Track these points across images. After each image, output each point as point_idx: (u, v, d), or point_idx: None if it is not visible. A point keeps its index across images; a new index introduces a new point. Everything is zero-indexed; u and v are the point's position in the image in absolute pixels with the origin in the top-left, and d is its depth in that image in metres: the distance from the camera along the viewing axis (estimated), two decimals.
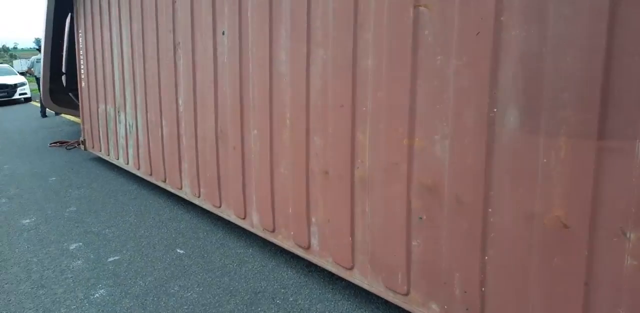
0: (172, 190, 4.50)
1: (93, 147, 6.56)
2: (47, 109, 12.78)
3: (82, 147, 6.91)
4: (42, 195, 5.25)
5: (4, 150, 8.19)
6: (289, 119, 2.88)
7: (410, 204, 2.20)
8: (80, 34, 6.48)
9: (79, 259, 3.48)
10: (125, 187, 5.40)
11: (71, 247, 3.72)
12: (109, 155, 6.01)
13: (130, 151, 5.32)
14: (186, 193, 4.25)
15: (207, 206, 3.93)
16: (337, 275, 2.77)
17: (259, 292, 2.82)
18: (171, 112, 4.27)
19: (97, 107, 6.16)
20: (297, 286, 2.87)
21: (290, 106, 2.86)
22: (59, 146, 8.18)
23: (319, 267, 2.89)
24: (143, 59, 4.69)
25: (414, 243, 2.21)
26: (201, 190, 3.99)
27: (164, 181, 4.61)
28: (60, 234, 4.03)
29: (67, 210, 4.70)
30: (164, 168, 4.56)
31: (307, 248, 2.85)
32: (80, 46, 6.53)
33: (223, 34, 3.43)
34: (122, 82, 5.29)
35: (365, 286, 2.50)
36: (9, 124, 11.77)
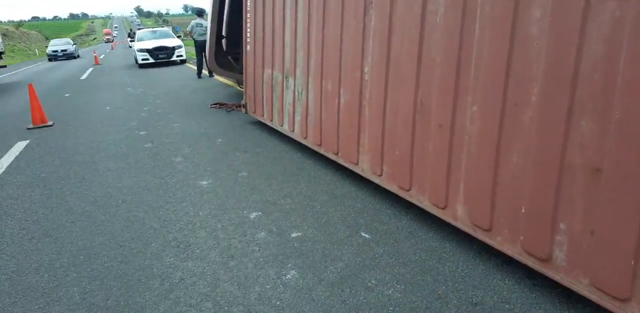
0: (345, 164, 4.21)
1: (255, 112, 6.60)
2: (202, 70, 13.59)
3: (243, 110, 7.02)
4: (213, 157, 5.38)
5: (172, 108, 8.79)
6: (537, 94, 2.28)
7: None
8: None
9: (262, 230, 3.37)
10: (289, 154, 5.29)
11: (251, 216, 3.64)
12: (272, 120, 5.96)
13: (298, 118, 5.15)
14: (363, 170, 3.92)
15: (392, 187, 3.54)
16: (583, 301, 2.19)
17: (476, 304, 2.36)
18: (353, 80, 3.89)
19: (263, 72, 6.09)
20: (525, 303, 2.35)
21: (541, 79, 2.24)
22: (219, 108, 8.51)
23: (553, 282, 2.33)
24: (322, 22, 4.34)
25: None
26: (384, 168, 3.61)
27: (336, 153, 4.34)
28: (238, 200, 4.00)
29: (240, 174, 4.71)
30: (337, 140, 4.27)
31: (546, 260, 2.29)
32: (248, 9, 6.46)
33: None
34: (294, 47, 5.05)
35: None
36: (172, 82, 12.76)
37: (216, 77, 13.27)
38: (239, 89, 10.07)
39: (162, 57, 18.85)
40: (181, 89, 11.52)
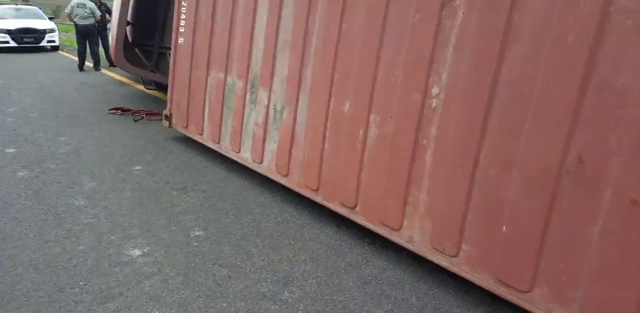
0: (373, 227, 2.83)
1: (187, 127, 4.84)
2: (85, 61, 11.01)
3: (165, 123, 5.19)
4: (136, 200, 3.57)
5: (52, 112, 6.46)
6: None
7: None
8: None
9: None
10: (254, 196, 3.72)
11: None
12: (218, 143, 4.31)
13: (271, 147, 3.62)
14: (414, 242, 2.59)
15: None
16: None
17: None
18: (406, 106, 2.55)
19: (207, 75, 4.42)
20: None
21: None
22: (121, 114, 6.46)
23: None
24: (341, 11, 2.93)
25: None
26: (463, 247, 2.33)
27: (352, 208, 2.93)
28: (209, 297, 2.38)
29: (192, 235, 3.04)
30: (357, 190, 2.87)
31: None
32: None
33: None
34: (273, 43, 3.54)
35: None
36: (46, 74, 9.98)
37: (105, 71, 10.82)
38: (145, 89, 8.01)
39: (28, 41, 15.28)
40: (60, 84, 8.95)
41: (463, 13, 2.26)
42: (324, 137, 3.10)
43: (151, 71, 6.94)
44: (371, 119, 2.75)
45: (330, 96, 3.04)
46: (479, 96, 2.18)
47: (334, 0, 2.96)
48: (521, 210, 2.05)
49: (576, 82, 1.83)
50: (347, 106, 2.92)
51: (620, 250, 1.76)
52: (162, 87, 7.87)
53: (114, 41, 6.11)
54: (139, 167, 4.32)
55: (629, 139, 1.72)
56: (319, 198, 3.20)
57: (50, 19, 17.70)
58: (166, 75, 7.07)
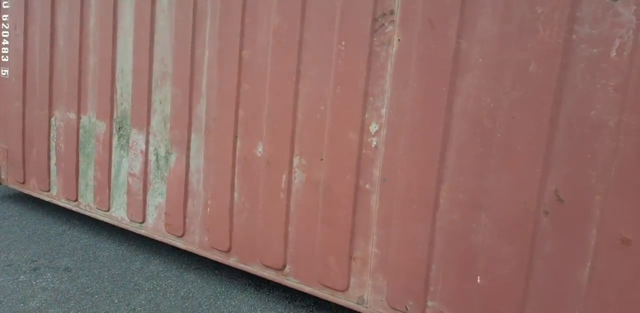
0: (307, 289, 2.36)
1: (24, 183, 3.74)
2: None
3: None
4: None
5: None
6: None
7: None
8: None
9: None
10: (142, 267, 2.92)
11: None
12: (75, 200, 3.37)
13: (156, 201, 2.91)
14: (366, 301, 2.19)
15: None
16: None
17: None
18: (340, 147, 2.19)
19: (51, 116, 3.47)
20: None
21: None
22: None
23: None
24: (240, 35, 2.46)
25: None
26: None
27: (281, 269, 2.42)
28: None
29: None
30: (286, 248, 2.39)
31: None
32: (4, 4, 3.73)
33: None
34: (146, 77, 2.89)
35: None
36: None
37: None
38: None
39: None
40: None
41: (399, 40, 2.01)
42: (232, 186, 2.56)
43: None
44: (295, 162, 2.32)
45: (235, 137, 2.53)
46: (431, 131, 1.93)
47: (230, 19, 2.50)
48: (497, 258, 1.83)
49: (546, 115, 1.70)
50: (259, 148, 2.44)
51: (615, 293, 1.64)
52: None
53: None
54: None
55: (611, 173, 1.62)
56: (231, 261, 2.61)
57: None
58: None
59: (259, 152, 2.45)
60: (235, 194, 2.55)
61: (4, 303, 2.48)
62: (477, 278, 1.87)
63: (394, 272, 2.04)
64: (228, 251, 2.61)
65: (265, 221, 2.44)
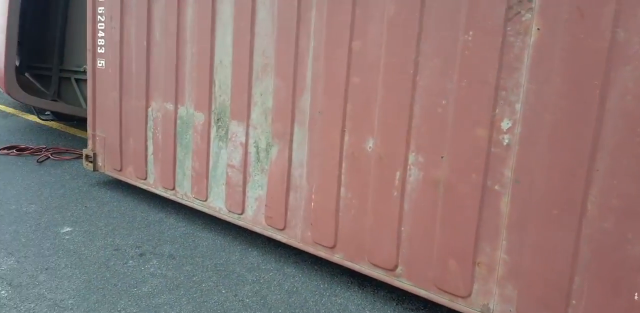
0: (422, 292, 2.28)
1: (121, 170, 3.89)
2: None
3: (88, 165, 4.16)
4: (84, 281, 2.63)
5: None
6: None
7: None
8: None
9: None
10: (242, 258, 2.96)
11: None
12: (173, 189, 3.46)
13: (255, 194, 2.91)
14: (492, 310, 2.09)
15: None
16: None
17: None
18: (464, 145, 2.06)
19: (147, 106, 3.56)
20: None
21: None
22: (16, 155, 5.17)
23: None
24: (350, 25, 2.36)
25: None
26: None
27: (392, 269, 2.35)
28: None
29: None
30: (398, 248, 2.31)
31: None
32: None
33: None
34: (246, 69, 2.86)
35: None
36: None
37: None
38: (39, 120, 6.65)
39: None
40: None
41: (538, 29, 1.84)
42: (338, 182, 2.50)
43: (52, 100, 5.70)
44: (410, 159, 2.22)
45: (343, 131, 2.45)
46: (578, 130, 1.76)
47: (339, 9, 2.39)
48: None
49: None
50: (370, 143, 2.36)
51: None
52: (61, 117, 6.60)
53: (1, 65, 4.85)
54: (68, 229, 3.30)
55: None
56: (336, 258, 2.58)
57: None
58: (70, 103, 5.90)
59: (369, 148, 2.36)
60: (342, 189, 2.50)
61: (118, 286, 2.59)
62: (634, 295, 1.70)
63: (528, 282, 1.91)
64: (333, 247, 2.57)
65: (375, 219, 2.37)
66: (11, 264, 2.79)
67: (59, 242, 3.11)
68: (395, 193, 2.27)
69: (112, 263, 2.85)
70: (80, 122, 6.56)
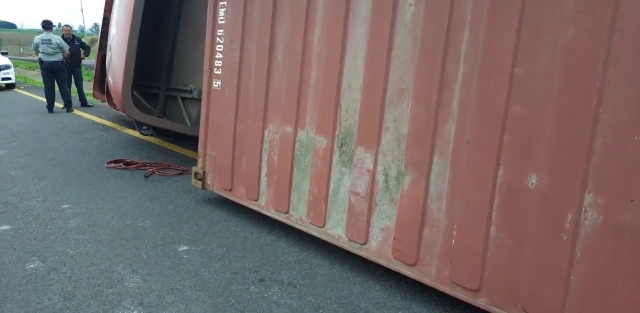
0: None
1: (231, 190, 3.90)
2: (55, 102, 9.86)
3: (196, 182, 4.22)
4: (210, 305, 2.57)
5: (39, 168, 5.29)
6: None
7: None
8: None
9: None
10: (366, 291, 2.80)
11: None
12: (287, 213, 3.39)
13: (382, 224, 2.76)
14: None
15: None
16: None
17: None
18: None
19: (263, 128, 3.54)
20: None
21: None
22: (123, 169, 5.40)
23: None
24: (515, 44, 2.18)
25: None
26: None
27: None
28: None
29: None
30: (565, 300, 2.05)
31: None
32: (221, 19, 3.91)
33: None
34: (380, 93, 2.74)
35: None
36: (11, 120, 8.67)
37: (77, 112, 9.72)
38: (139, 134, 6.98)
39: None
40: (33, 130, 7.72)
41: None
42: (488, 219, 2.28)
43: (158, 117, 5.96)
44: (587, 200, 1.97)
45: (498, 163, 2.25)
46: None
47: (499, 31, 2.22)
48: None
49: None
50: (532, 179, 2.13)
51: None
52: (161, 133, 6.88)
53: (119, 82, 5.12)
54: (184, 248, 3.31)
55: None
56: (480, 302, 2.34)
57: (3, 54, 16.27)
58: (174, 121, 6.13)
59: (531, 184, 2.14)
60: (492, 228, 2.28)
61: None
62: None
63: None
64: (477, 290, 2.34)
65: (535, 264, 2.12)
66: (138, 282, 2.81)
67: (178, 261, 3.11)
68: (565, 238, 2.02)
69: (234, 287, 2.79)
70: (176, 138, 6.81)
